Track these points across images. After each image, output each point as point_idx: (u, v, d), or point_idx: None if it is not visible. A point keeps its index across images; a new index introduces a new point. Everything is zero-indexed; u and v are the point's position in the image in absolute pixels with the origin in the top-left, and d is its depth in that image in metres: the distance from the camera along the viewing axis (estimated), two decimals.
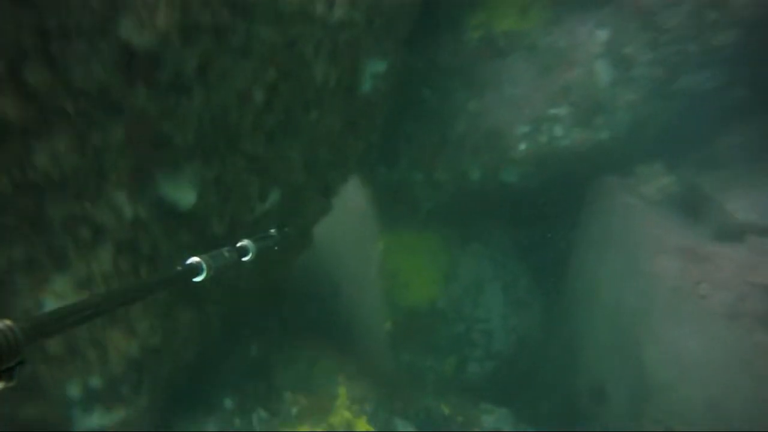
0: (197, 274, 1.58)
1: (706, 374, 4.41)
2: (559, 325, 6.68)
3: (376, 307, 6.94)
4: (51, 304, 2.93)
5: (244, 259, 2.00)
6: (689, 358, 4.50)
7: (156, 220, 3.18)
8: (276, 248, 2.39)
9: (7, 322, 0.94)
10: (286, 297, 7.37)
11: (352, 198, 7.55)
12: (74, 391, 3.38)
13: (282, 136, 3.78)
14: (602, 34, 5.15)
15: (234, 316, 4.92)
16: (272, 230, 2.45)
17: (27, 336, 0.95)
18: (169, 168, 3.14)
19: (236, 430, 4.32)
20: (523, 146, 5.39)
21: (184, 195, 3.28)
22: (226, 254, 1.80)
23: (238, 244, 2.02)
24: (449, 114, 5.67)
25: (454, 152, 5.64)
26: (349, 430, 4.26)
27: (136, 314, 3.29)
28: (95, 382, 3.44)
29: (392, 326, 6.64)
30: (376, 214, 7.09)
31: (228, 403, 4.45)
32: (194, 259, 1.59)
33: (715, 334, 4.32)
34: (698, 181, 5.61)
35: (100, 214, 2.86)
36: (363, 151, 5.10)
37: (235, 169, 3.57)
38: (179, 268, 1.56)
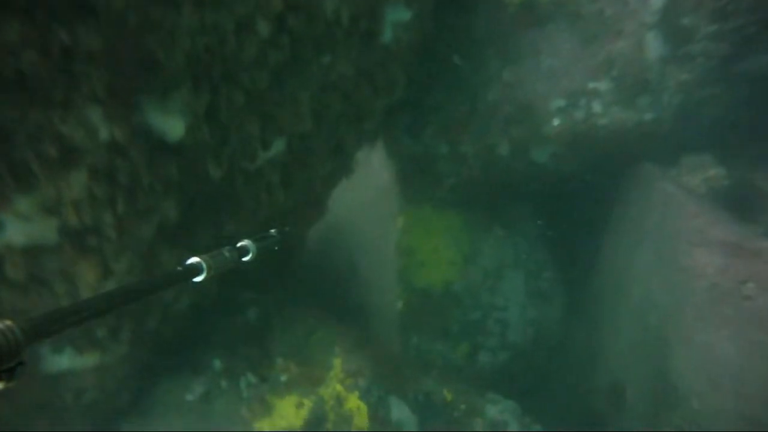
0: (197, 274, 1.55)
1: (744, 385, 3.86)
2: (582, 321, 6.16)
3: (390, 285, 6.55)
4: (13, 224, 2.65)
5: (245, 259, 1.93)
6: (724, 364, 3.95)
7: (137, 148, 2.86)
8: (276, 248, 2.28)
9: (7, 322, 0.92)
10: (298, 266, 7.06)
11: (377, 173, 7.19)
12: None
13: (288, 76, 3.42)
14: (657, 2, 4.59)
15: (235, 276, 4.61)
16: (273, 230, 2.34)
17: (27, 336, 0.93)
18: (155, 91, 2.81)
19: (223, 392, 4.01)
20: (557, 122, 4.89)
21: (170, 124, 2.95)
22: (227, 254, 1.74)
23: (239, 244, 1.93)
24: (481, 83, 5.20)
25: (483, 124, 5.18)
26: (339, 403, 3.89)
27: (112, 249, 2.99)
28: None
29: (403, 306, 6.24)
30: (398, 190, 6.70)
31: (217, 364, 4.15)
32: (194, 259, 1.55)
33: (758, 341, 3.76)
34: (752, 176, 5.01)
35: (71, 130, 2.56)
36: (383, 111, 4.70)
37: (233, 106, 3.23)
38: (179, 268, 1.53)
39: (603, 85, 4.76)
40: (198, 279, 1.55)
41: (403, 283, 6.32)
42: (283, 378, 4.01)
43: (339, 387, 3.96)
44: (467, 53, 5.30)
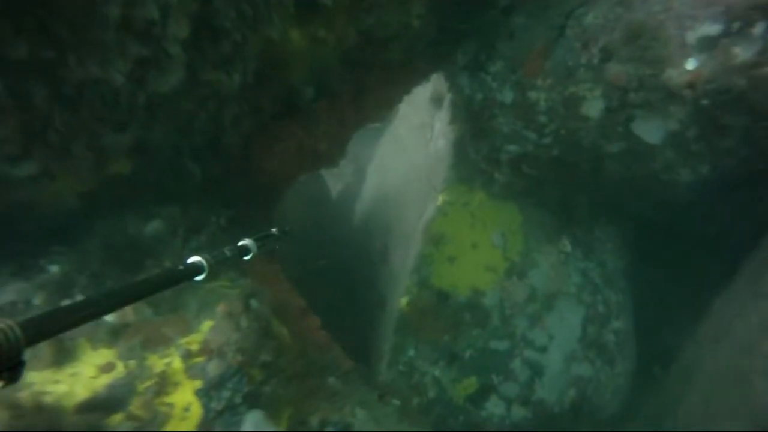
0: (198, 273, 1.40)
1: None
2: (652, 401, 3.71)
3: (402, 276, 4.57)
4: None
5: (246, 258, 1.68)
6: None
7: None
8: (278, 248, 1.99)
9: (8, 322, 0.84)
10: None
11: (435, 139, 5.25)
12: None
13: None
14: None
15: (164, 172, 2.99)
16: (273, 229, 1.97)
17: (27, 336, 0.85)
18: None
19: (30, 311, 2.33)
20: (693, 63, 2.62)
21: None
22: (228, 253, 1.57)
23: (240, 243, 1.68)
24: (582, 0, 3.08)
25: (569, 56, 3.05)
26: (160, 389, 2.04)
27: None
28: None
29: (408, 306, 4.23)
30: (449, 161, 4.70)
31: (54, 270, 2.51)
32: (195, 258, 1.41)
33: None
34: None
35: None
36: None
37: None
38: (180, 267, 1.37)
39: None
40: (199, 278, 1.39)
41: (418, 276, 4.30)
42: (112, 319, 2.25)
43: (178, 364, 2.12)
44: None
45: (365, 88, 3.54)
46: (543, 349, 4.03)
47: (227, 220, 3.28)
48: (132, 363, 2.12)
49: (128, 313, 2.27)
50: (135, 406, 1.97)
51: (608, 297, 4.24)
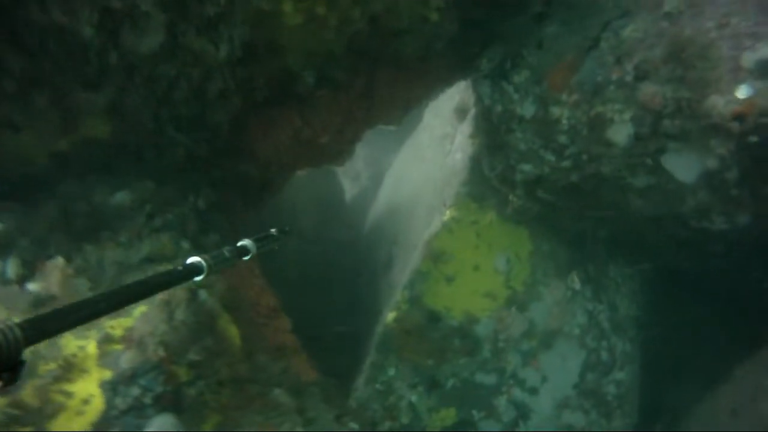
0: (198, 274, 1.37)
1: None
2: None
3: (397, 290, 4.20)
4: None
5: (245, 258, 1.62)
6: None
7: None
8: (277, 248, 1.89)
9: (8, 322, 0.80)
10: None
11: (454, 152, 4.89)
12: None
13: None
14: None
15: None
16: (273, 230, 1.90)
17: (26, 336, 0.81)
18: None
19: None
20: (744, 90, 2.20)
21: None
22: (227, 254, 1.51)
23: (239, 244, 1.62)
24: (622, 11, 2.68)
25: (599, 70, 2.65)
26: (64, 373, 1.75)
27: None
28: None
29: (394, 322, 3.85)
30: (464, 176, 4.33)
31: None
32: (194, 259, 1.37)
33: None
34: None
35: None
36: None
37: None
38: (179, 267, 1.34)
39: None
40: (198, 278, 1.36)
41: (410, 292, 3.92)
42: (36, 288, 1.99)
43: (93, 349, 1.82)
44: None
45: (375, 84, 3.22)
46: (533, 391, 3.59)
47: (207, 202, 3.00)
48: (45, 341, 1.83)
49: (54, 283, 2.00)
50: (26, 392, 1.68)
51: (614, 344, 3.77)
